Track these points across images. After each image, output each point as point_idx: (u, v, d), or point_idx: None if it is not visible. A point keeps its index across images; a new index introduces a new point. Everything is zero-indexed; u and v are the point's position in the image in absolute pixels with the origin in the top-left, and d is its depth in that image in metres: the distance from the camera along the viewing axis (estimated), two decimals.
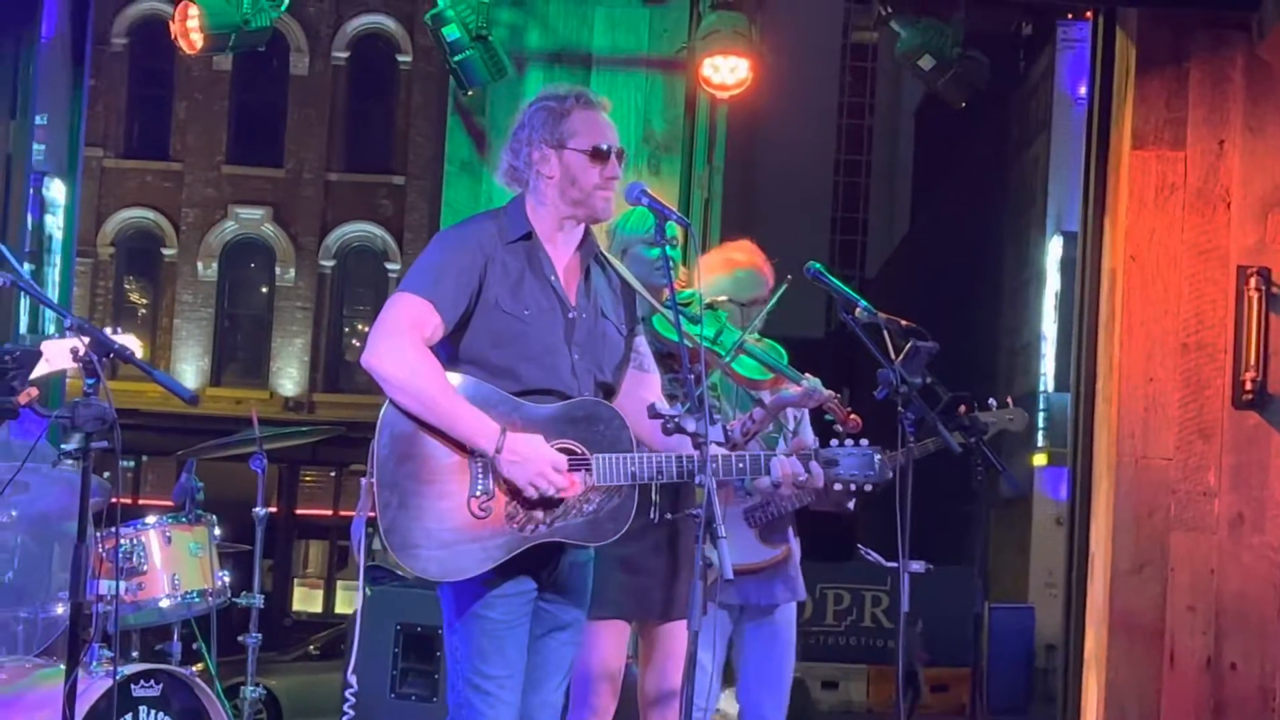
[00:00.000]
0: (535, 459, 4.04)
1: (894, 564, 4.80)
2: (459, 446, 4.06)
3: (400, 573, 5.52)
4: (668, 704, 4.99)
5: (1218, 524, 7.18)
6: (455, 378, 4.11)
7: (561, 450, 4.12)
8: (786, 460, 4.31)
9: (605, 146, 4.23)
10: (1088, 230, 7.78)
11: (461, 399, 4.06)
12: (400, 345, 4.05)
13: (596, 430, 4.16)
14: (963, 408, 5.33)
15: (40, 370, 3.83)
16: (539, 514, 4.09)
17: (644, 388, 4.39)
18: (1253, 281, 7.18)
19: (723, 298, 5.42)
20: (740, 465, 4.28)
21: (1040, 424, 28.09)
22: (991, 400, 5.85)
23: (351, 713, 4.44)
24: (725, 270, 5.54)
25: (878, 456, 4.38)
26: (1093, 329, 7.65)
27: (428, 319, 4.08)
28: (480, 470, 4.06)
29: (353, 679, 4.44)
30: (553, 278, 4.24)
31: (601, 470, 4.12)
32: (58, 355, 3.86)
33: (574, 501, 4.12)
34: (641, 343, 4.47)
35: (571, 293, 4.27)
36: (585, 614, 4.38)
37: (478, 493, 4.05)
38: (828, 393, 5.26)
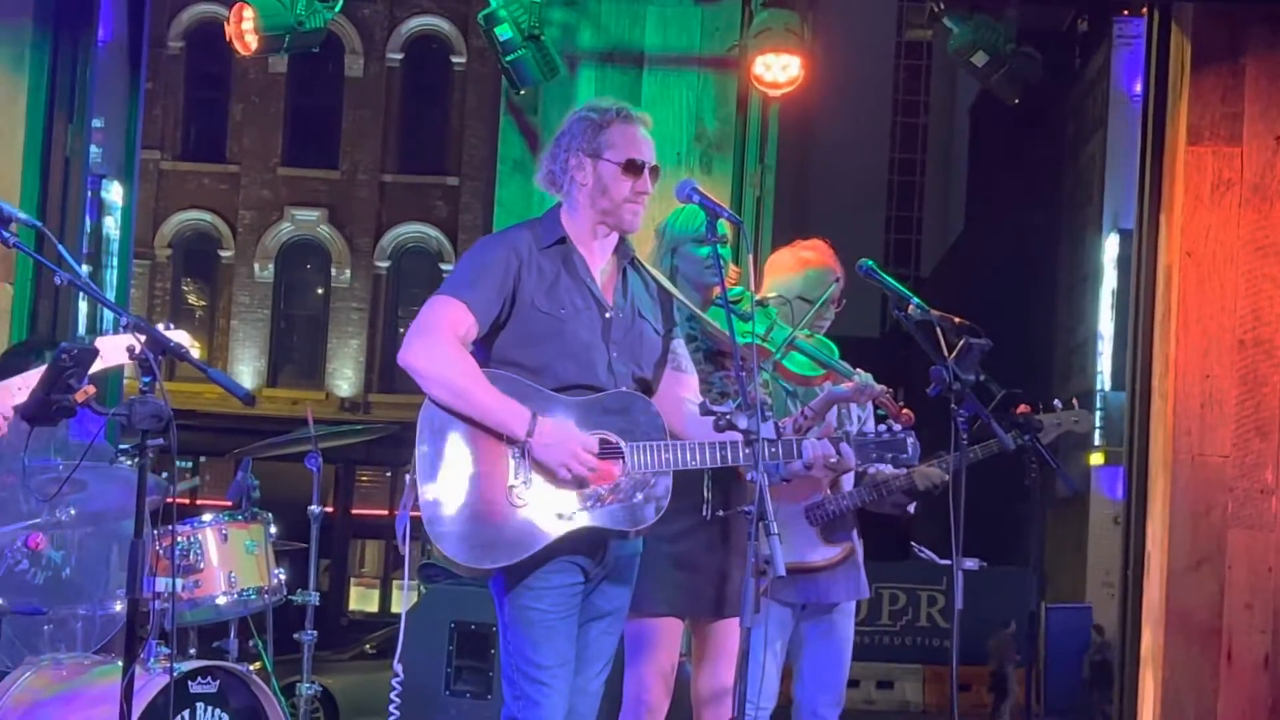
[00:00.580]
0: (566, 441, 4.17)
1: (948, 562, 4.80)
2: (496, 437, 4.18)
3: (455, 570, 5.56)
4: (721, 701, 4.99)
5: (1275, 521, 7.12)
6: (490, 373, 4.25)
7: (597, 439, 4.22)
8: (818, 443, 4.43)
9: (639, 161, 4.36)
10: (1143, 227, 7.73)
11: (494, 389, 4.20)
12: (433, 342, 4.22)
13: (631, 419, 4.28)
14: (1024, 407, 5.31)
15: (95, 366, 3.87)
16: (576, 502, 4.19)
17: (681, 387, 4.50)
18: None
19: (791, 296, 5.44)
20: (773, 450, 4.32)
21: (1097, 423, 27.90)
22: (1057, 401, 5.83)
23: (398, 700, 4.49)
24: (797, 269, 5.56)
25: (910, 439, 4.46)
26: (1148, 326, 7.60)
27: (461, 319, 4.25)
28: (518, 459, 4.18)
29: (399, 668, 4.51)
30: (588, 279, 4.37)
31: (636, 458, 4.23)
32: (113, 351, 3.90)
33: (610, 489, 4.22)
34: (679, 345, 4.58)
35: (609, 294, 4.41)
36: (627, 605, 4.46)
37: (516, 482, 4.17)
38: (879, 387, 5.25)
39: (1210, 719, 7.07)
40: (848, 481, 5.55)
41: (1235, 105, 7.28)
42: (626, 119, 4.40)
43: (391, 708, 4.58)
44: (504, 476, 4.18)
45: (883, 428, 4.46)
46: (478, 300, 4.26)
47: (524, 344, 4.29)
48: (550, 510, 4.18)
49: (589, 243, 4.41)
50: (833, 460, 4.46)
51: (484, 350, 4.32)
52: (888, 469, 5.44)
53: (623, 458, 4.23)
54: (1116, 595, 7.97)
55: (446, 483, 4.18)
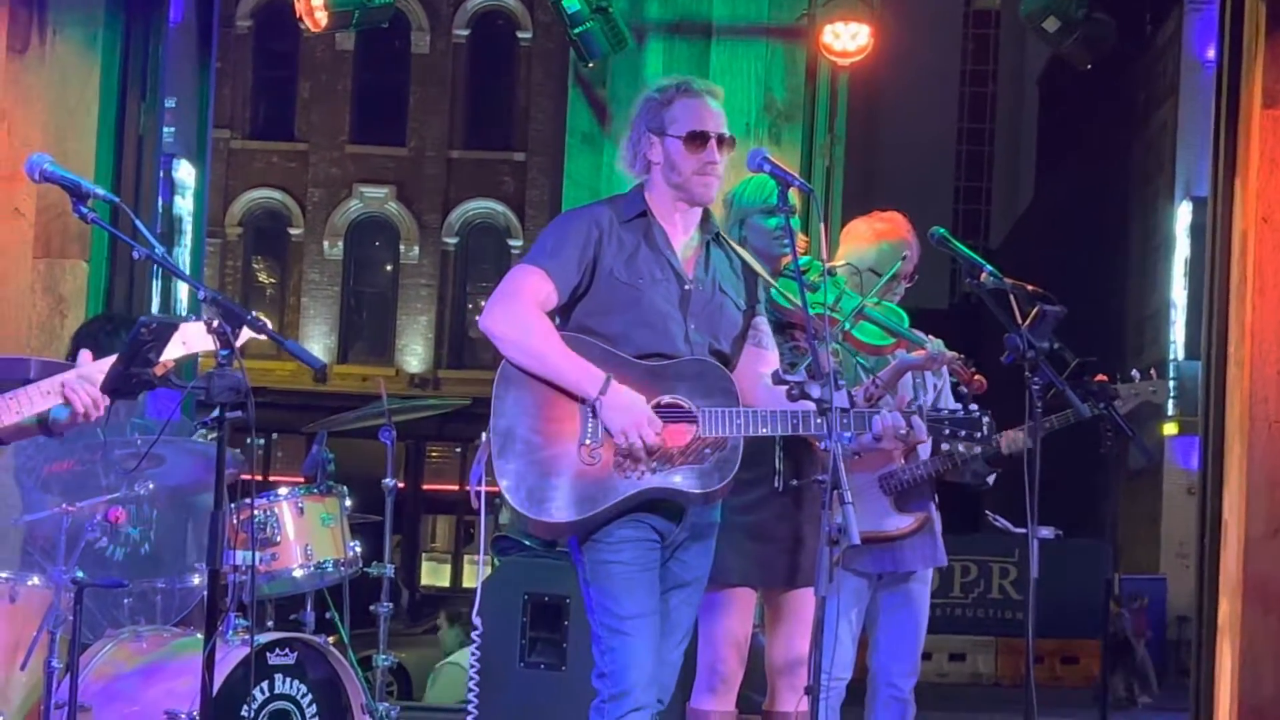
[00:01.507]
0: (633, 410, 4.24)
1: (1022, 530, 4.77)
2: (570, 397, 4.28)
3: (528, 542, 5.60)
4: (795, 671, 4.99)
5: None
6: (568, 337, 4.35)
7: (670, 405, 4.31)
8: (889, 415, 4.46)
9: (703, 132, 4.42)
10: (1218, 193, 7.65)
11: (570, 352, 4.30)
12: (513, 307, 4.33)
13: (704, 385, 4.34)
14: (1102, 376, 5.27)
15: (176, 352, 3.91)
16: (645, 463, 4.27)
17: (762, 364, 4.53)
18: None
19: (863, 267, 5.43)
20: (845, 421, 4.31)
21: (1171, 392, 27.67)
22: (1135, 371, 5.78)
23: (478, 665, 4.53)
24: (871, 240, 5.56)
25: (985, 418, 4.44)
26: (1224, 293, 7.53)
27: (540, 285, 4.35)
28: (591, 418, 4.27)
29: (478, 621, 4.56)
30: (668, 252, 4.45)
31: (708, 422, 4.28)
32: (195, 338, 3.94)
33: (680, 452, 4.28)
34: (762, 322, 4.63)
35: (689, 267, 4.48)
36: (707, 575, 4.52)
37: (587, 440, 4.27)
38: (951, 354, 5.23)
39: None
40: (924, 450, 5.52)
41: None
42: (688, 92, 4.48)
43: (471, 672, 4.62)
44: (576, 434, 4.27)
45: (957, 405, 4.46)
46: (557, 268, 4.36)
47: (603, 312, 4.38)
48: (620, 470, 4.27)
49: (670, 217, 4.49)
50: (903, 432, 4.48)
51: (565, 318, 4.42)
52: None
53: (695, 421, 4.28)
54: (1193, 565, 7.90)
55: (521, 439, 4.28)
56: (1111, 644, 24.59)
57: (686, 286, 4.44)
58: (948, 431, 4.46)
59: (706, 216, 4.55)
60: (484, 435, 4.32)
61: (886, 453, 5.42)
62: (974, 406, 4.47)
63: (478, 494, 4.54)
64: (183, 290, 8.53)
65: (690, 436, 4.29)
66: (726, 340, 4.49)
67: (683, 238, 4.50)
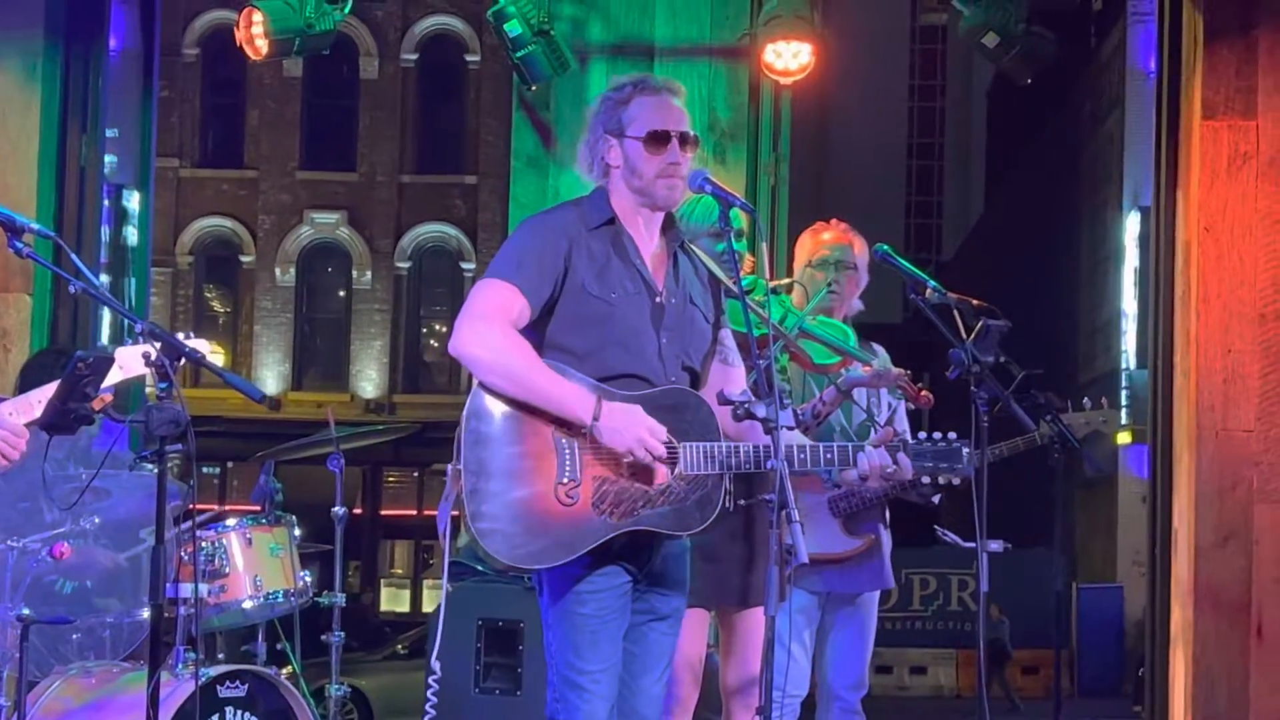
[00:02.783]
0: (635, 425, 4.02)
1: (972, 544, 4.78)
2: (545, 433, 4.04)
3: (481, 568, 5.53)
4: (749, 691, 4.99)
5: None
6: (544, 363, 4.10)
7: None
8: (874, 452, 4.23)
9: (661, 131, 4.19)
10: (1161, 204, 7.69)
11: (554, 375, 4.05)
12: (486, 328, 4.05)
13: (684, 419, 4.13)
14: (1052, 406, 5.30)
15: (114, 378, 3.87)
16: (625, 502, 4.06)
17: (729, 382, 4.35)
18: None
19: (808, 280, 5.46)
20: (828, 456, 4.22)
21: (1123, 402, 27.82)
22: (1086, 400, 5.81)
23: (435, 699, 4.45)
24: (815, 250, 5.57)
25: (965, 450, 4.30)
26: (1169, 302, 7.57)
27: (512, 302, 4.09)
28: (567, 456, 4.04)
29: (437, 665, 4.46)
30: (639, 262, 4.22)
31: (689, 459, 4.09)
32: (131, 362, 3.90)
33: (660, 491, 4.08)
34: (727, 335, 4.43)
35: (659, 278, 4.25)
36: (684, 605, 4.36)
37: (564, 480, 4.03)
38: (897, 371, 5.25)
39: (1242, 695, 7.03)
40: None
41: (1249, 78, 7.23)
42: (646, 89, 4.25)
43: (428, 706, 4.56)
44: (552, 473, 4.04)
45: (937, 435, 4.30)
46: (527, 283, 4.11)
47: (574, 328, 4.15)
48: (598, 510, 4.05)
49: (634, 223, 4.26)
50: (890, 470, 4.26)
51: (532, 334, 4.15)
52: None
53: (675, 458, 4.09)
54: (1146, 573, 7.93)
55: (492, 479, 4.02)
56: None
57: (658, 299, 4.22)
58: (930, 464, 4.30)
59: (670, 222, 4.33)
60: (449, 469, 4.09)
61: None
62: (952, 435, 4.32)
63: (444, 534, 4.33)
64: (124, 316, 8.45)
65: (670, 475, 4.08)
66: (697, 355, 4.29)
67: (650, 245, 4.28)
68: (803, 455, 4.14)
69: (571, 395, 4.03)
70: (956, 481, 4.38)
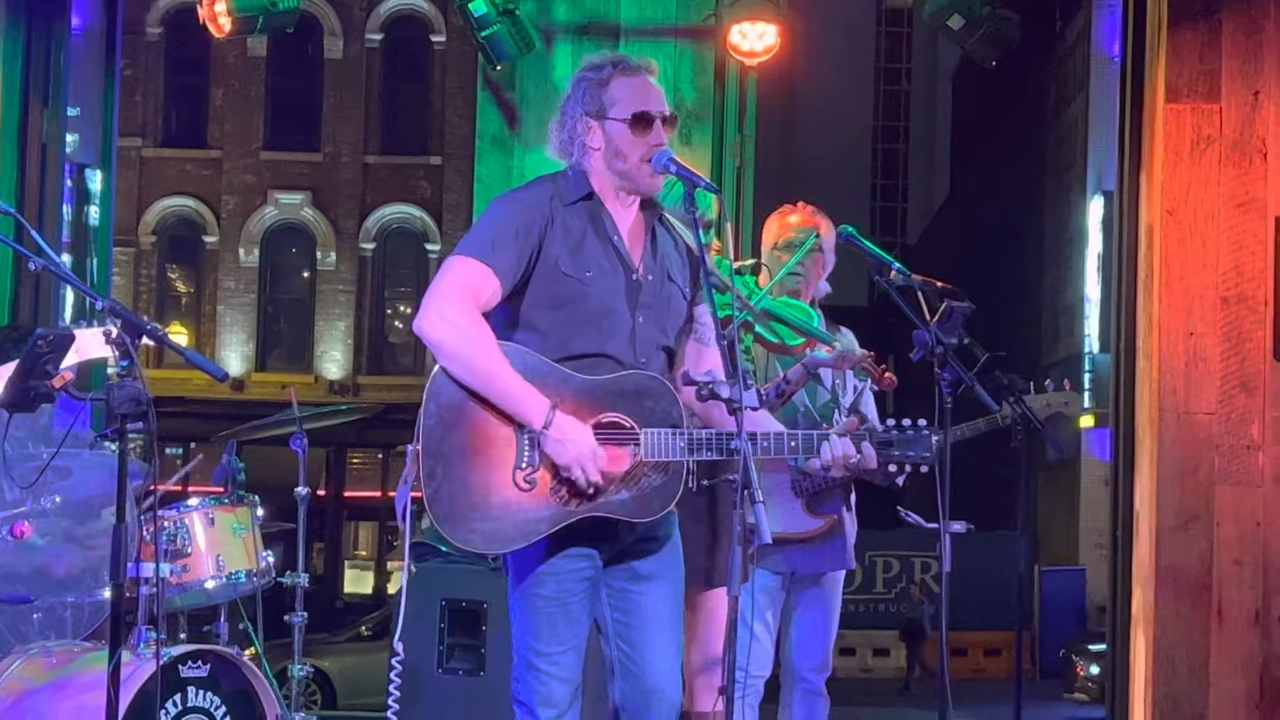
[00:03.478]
0: (579, 444, 3.97)
1: (935, 525, 4.80)
2: (507, 418, 4.01)
3: (444, 548, 5.52)
4: (713, 671, 4.99)
5: (1262, 477, 7.11)
6: (506, 348, 4.04)
7: (610, 424, 4.05)
8: (839, 441, 4.19)
9: (648, 113, 4.14)
10: (1124, 187, 7.71)
11: (514, 372, 3.99)
12: (453, 311, 3.98)
13: (646, 405, 4.08)
14: (1015, 388, 5.30)
15: (71, 359, 3.84)
16: (584, 488, 4.03)
17: (701, 362, 4.30)
18: None
19: (773, 262, 5.46)
20: (793, 444, 4.18)
21: (1087, 385, 27.96)
22: (1048, 382, 5.83)
23: (398, 680, 4.45)
24: (781, 233, 5.58)
25: (935, 438, 4.27)
26: (1132, 286, 7.59)
27: (484, 283, 4.02)
28: (528, 443, 4.01)
29: (399, 647, 4.45)
30: (616, 238, 4.16)
31: (650, 445, 4.05)
32: (89, 344, 3.88)
33: (621, 477, 4.05)
34: (703, 313, 4.33)
35: (636, 254, 4.19)
36: (673, 566, 4.27)
37: (524, 465, 4.00)
38: (860, 352, 5.26)
39: (1202, 676, 7.07)
40: None
41: (1213, 62, 7.25)
42: (627, 70, 4.15)
43: (391, 688, 4.55)
44: (511, 459, 4.01)
45: (906, 422, 4.27)
46: (500, 262, 4.03)
47: (546, 307, 4.08)
48: (557, 496, 4.02)
49: (613, 200, 4.18)
50: (854, 460, 4.22)
51: (503, 310, 4.09)
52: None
53: (636, 443, 4.05)
54: (1107, 556, 7.97)
55: (451, 462, 3.99)
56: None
57: (635, 277, 4.14)
58: (896, 454, 4.26)
59: (651, 199, 4.25)
60: (409, 450, 4.05)
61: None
62: (922, 422, 4.29)
63: (402, 515, 4.31)
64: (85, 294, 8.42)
65: (631, 461, 4.04)
66: (674, 334, 4.22)
67: (628, 221, 4.20)
68: (766, 444, 4.11)
69: (526, 398, 3.98)
70: (924, 469, 4.38)
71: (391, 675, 4.53)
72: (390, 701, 4.55)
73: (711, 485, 4.68)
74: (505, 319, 4.09)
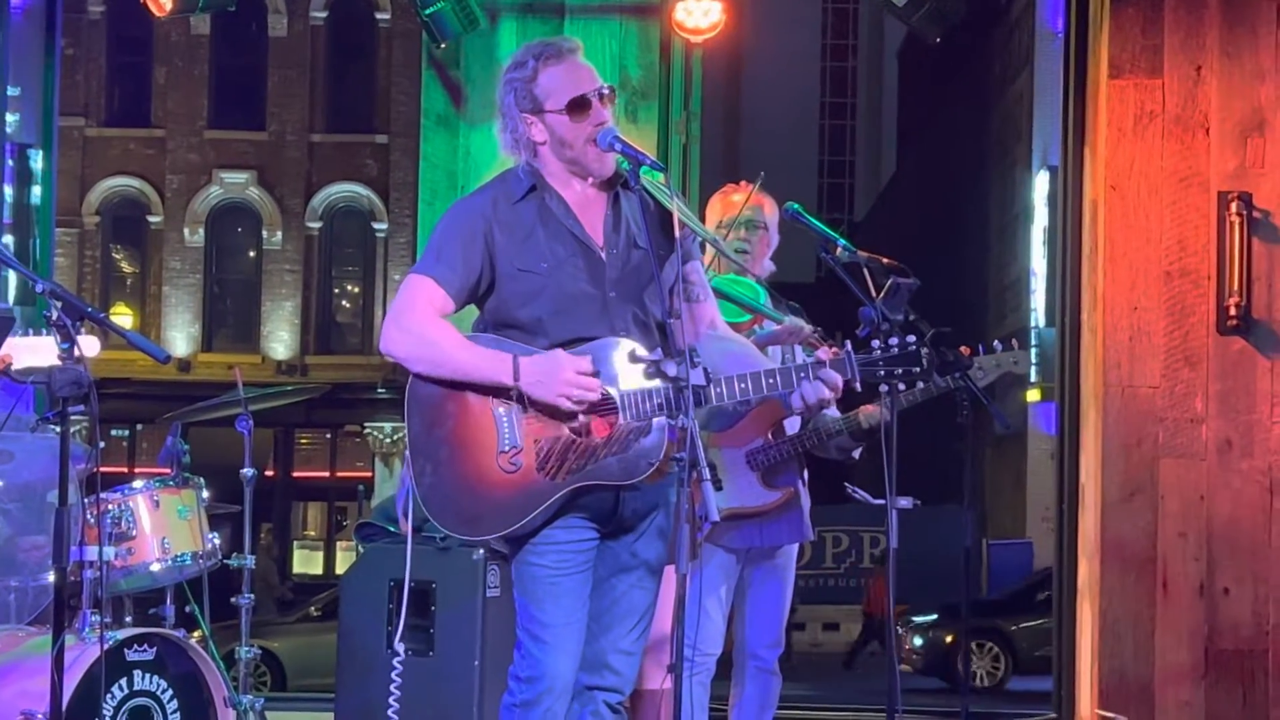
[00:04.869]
0: (554, 373, 4.03)
1: (881, 501, 4.82)
2: (482, 406, 4.08)
3: (393, 529, 5.54)
4: (662, 649, 4.99)
5: (1206, 450, 7.17)
6: (479, 337, 4.16)
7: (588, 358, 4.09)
8: (811, 387, 4.19)
9: (581, 95, 4.15)
10: (1068, 162, 7.75)
11: (473, 345, 4.10)
12: (408, 321, 4.13)
13: (619, 366, 4.10)
14: (965, 349, 5.32)
15: (28, 360, 3.81)
16: (570, 460, 4.07)
17: (696, 320, 4.34)
18: (1234, 207, 7.15)
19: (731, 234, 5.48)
20: (771, 381, 4.18)
21: (1033, 360, 28.10)
22: (997, 343, 5.84)
23: (399, 678, 4.48)
24: (725, 211, 5.59)
25: (925, 351, 4.24)
26: (1076, 260, 7.63)
27: (433, 295, 4.13)
28: (505, 425, 4.08)
29: (400, 647, 4.52)
30: (569, 221, 4.18)
31: (630, 406, 4.09)
32: (27, 353, 3.83)
33: (604, 442, 4.08)
34: (694, 270, 4.38)
35: (598, 231, 4.20)
36: (658, 557, 4.31)
37: (505, 448, 4.07)
38: (807, 329, 5.28)
39: (1148, 647, 7.14)
40: (790, 426, 5.56)
41: (1155, 37, 7.29)
42: (548, 59, 4.16)
43: (393, 688, 4.57)
44: (493, 444, 4.08)
45: (893, 340, 4.24)
46: (445, 272, 4.14)
47: (515, 305, 4.16)
48: (543, 472, 4.07)
49: (569, 184, 4.22)
50: (826, 398, 4.23)
51: (490, 313, 4.21)
52: (834, 413, 5.44)
53: (616, 409, 4.09)
54: (1054, 529, 8.02)
55: (436, 457, 4.11)
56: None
57: (599, 254, 4.17)
58: (883, 373, 4.24)
59: (616, 175, 4.22)
60: (406, 456, 4.20)
61: (755, 427, 5.46)
62: (910, 339, 4.26)
63: (403, 516, 4.36)
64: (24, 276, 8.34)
65: (612, 427, 4.08)
66: (653, 300, 4.20)
67: (584, 197, 4.22)
68: (745, 385, 4.13)
69: (490, 362, 4.06)
70: (921, 385, 4.37)
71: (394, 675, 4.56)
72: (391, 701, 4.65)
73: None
74: (492, 322, 4.20)
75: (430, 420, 4.13)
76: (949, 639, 20.33)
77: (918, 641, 20.67)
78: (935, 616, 20.93)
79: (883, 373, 4.25)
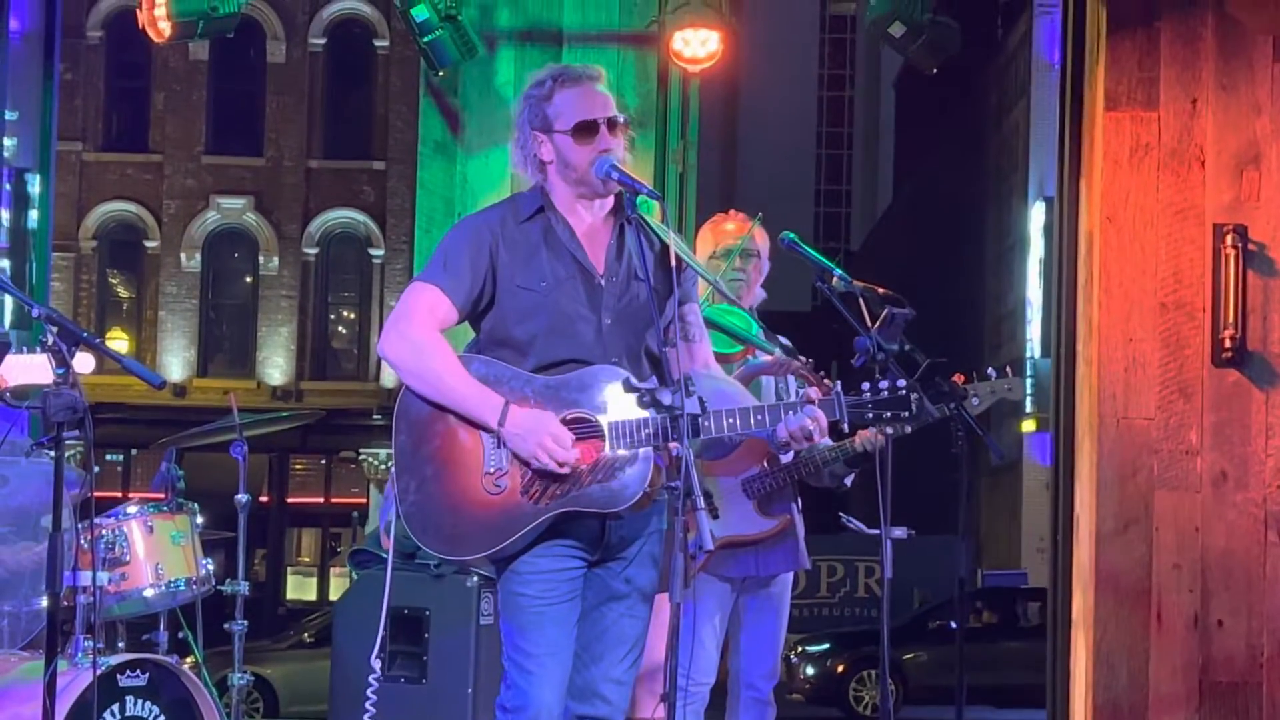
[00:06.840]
0: (536, 431, 4.05)
1: (876, 531, 4.82)
2: (472, 426, 4.11)
3: (384, 554, 5.53)
4: (655, 678, 4.99)
5: (1201, 482, 7.16)
6: (471, 359, 4.17)
7: (576, 419, 4.11)
8: (794, 419, 4.24)
9: (591, 120, 4.21)
10: (1064, 193, 7.76)
11: (468, 377, 4.12)
12: (407, 329, 4.15)
13: (607, 394, 4.12)
14: (959, 377, 5.33)
15: (21, 378, 3.81)
16: (554, 485, 4.09)
17: (691, 359, 4.36)
18: (1229, 239, 7.15)
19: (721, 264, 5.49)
20: (759, 418, 4.21)
21: (1028, 390, 28.13)
22: (991, 370, 5.85)
23: (374, 697, 4.48)
24: (717, 241, 5.60)
25: (915, 395, 4.25)
26: (1071, 291, 7.63)
27: (436, 303, 4.16)
28: (493, 447, 4.10)
29: (376, 664, 4.50)
30: (573, 246, 4.23)
31: (618, 436, 4.10)
32: (20, 370, 3.84)
33: (589, 470, 4.09)
34: (691, 310, 4.43)
35: (600, 259, 4.25)
36: (649, 585, 4.32)
37: (491, 470, 4.10)
38: (796, 362, 5.28)
39: (1142, 679, 7.12)
40: (785, 454, 5.56)
41: (1151, 70, 7.30)
42: (567, 81, 4.25)
43: (367, 705, 4.57)
44: (479, 465, 4.10)
45: (883, 384, 4.27)
46: (451, 283, 4.17)
47: (513, 321, 4.19)
48: (527, 496, 4.09)
49: (574, 210, 4.26)
50: (810, 430, 4.29)
51: (487, 329, 4.23)
52: (826, 441, 5.45)
53: (602, 436, 4.11)
54: (1048, 559, 8.01)
55: (424, 475, 4.13)
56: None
57: (599, 281, 4.21)
58: (871, 416, 4.27)
59: (620, 200, 4.28)
60: (392, 472, 4.21)
61: (750, 456, 5.46)
62: (900, 382, 4.29)
63: (384, 529, 4.36)
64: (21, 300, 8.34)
65: (598, 455, 4.10)
66: (647, 333, 4.23)
67: (591, 226, 4.26)
68: (732, 420, 4.15)
69: (479, 401, 4.09)
70: (908, 429, 4.37)
71: (368, 694, 4.57)
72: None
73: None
74: (489, 338, 4.22)
75: (418, 437, 4.15)
76: (840, 668, 20.14)
77: (810, 671, 20.52)
78: (828, 645, 20.81)
79: (870, 415, 4.27)
